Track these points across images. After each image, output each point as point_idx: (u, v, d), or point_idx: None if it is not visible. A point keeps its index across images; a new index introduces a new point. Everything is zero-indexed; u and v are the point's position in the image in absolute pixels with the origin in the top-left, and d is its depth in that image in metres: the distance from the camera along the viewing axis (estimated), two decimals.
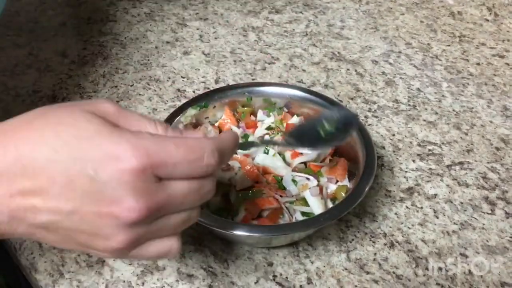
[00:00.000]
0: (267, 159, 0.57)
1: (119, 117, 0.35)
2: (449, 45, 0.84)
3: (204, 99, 0.62)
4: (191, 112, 0.61)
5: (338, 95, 0.74)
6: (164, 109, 0.70)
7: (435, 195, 0.60)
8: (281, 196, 0.54)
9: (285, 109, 0.63)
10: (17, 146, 0.32)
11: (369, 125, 0.69)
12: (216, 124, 0.62)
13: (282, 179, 0.56)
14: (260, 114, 0.63)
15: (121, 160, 0.32)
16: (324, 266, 0.52)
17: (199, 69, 0.78)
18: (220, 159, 0.36)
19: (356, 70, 0.79)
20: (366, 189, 0.51)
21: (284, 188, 0.55)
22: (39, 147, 0.32)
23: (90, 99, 0.35)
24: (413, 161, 0.64)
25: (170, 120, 0.59)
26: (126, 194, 0.32)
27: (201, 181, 0.36)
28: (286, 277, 0.52)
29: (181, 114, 0.60)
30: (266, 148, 0.57)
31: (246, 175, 0.55)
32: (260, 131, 0.61)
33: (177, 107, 0.62)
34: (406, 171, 0.63)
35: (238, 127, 0.62)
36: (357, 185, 0.51)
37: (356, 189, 0.51)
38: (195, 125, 0.62)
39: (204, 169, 0.35)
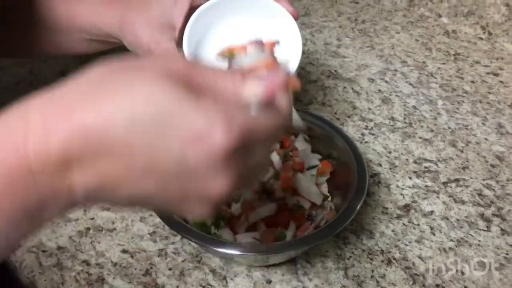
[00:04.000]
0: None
1: (193, 76, 0.31)
2: (444, 63, 0.86)
3: None
4: None
5: (335, 113, 0.74)
6: None
7: (432, 212, 0.60)
8: None
9: None
10: (89, 132, 0.28)
11: (366, 142, 0.70)
12: None
13: None
14: None
15: (212, 138, 0.28)
16: (322, 284, 0.53)
17: None
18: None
19: (352, 88, 0.80)
20: (358, 207, 0.52)
21: None
22: (113, 129, 0.28)
23: (158, 53, 0.31)
24: (410, 178, 0.65)
25: None
26: (215, 168, 0.29)
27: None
28: None
29: None
30: None
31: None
32: None
33: None
34: (402, 188, 0.63)
35: None
36: (350, 202, 0.52)
37: (349, 206, 0.52)
38: None
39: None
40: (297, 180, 0.57)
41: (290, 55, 0.55)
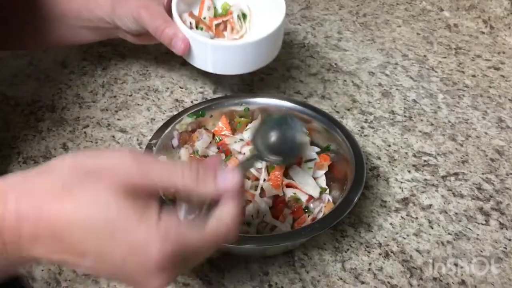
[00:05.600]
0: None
1: (142, 175, 0.36)
2: (445, 57, 0.85)
3: (201, 108, 0.63)
4: (187, 120, 0.61)
5: (335, 106, 0.74)
6: (162, 119, 0.71)
7: (430, 205, 0.60)
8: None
9: None
10: (54, 225, 0.34)
11: (365, 136, 0.70)
12: (212, 131, 0.63)
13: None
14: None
15: (147, 254, 0.34)
16: (320, 276, 0.53)
17: (197, 80, 0.79)
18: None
19: (353, 81, 0.79)
20: (355, 199, 0.51)
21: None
22: (73, 227, 0.34)
23: (110, 157, 0.37)
24: (409, 171, 0.64)
25: (165, 127, 0.60)
26: (150, 274, 0.35)
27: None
28: (282, 287, 0.52)
29: (177, 122, 0.61)
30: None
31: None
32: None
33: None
34: (401, 182, 0.63)
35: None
36: (347, 195, 0.52)
37: (346, 199, 0.52)
38: (191, 133, 0.62)
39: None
40: (294, 173, 0.57)
41: (273, 18, 0.64)
